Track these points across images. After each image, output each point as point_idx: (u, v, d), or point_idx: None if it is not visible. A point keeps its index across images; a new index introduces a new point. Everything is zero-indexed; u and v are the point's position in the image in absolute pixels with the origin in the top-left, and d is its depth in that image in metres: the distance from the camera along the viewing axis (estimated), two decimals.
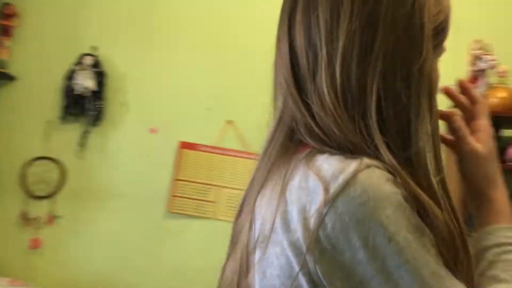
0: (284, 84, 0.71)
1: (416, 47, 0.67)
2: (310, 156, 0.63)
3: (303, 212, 0.58)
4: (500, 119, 2.31)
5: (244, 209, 0.73)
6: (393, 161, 0.61)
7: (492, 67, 2.41)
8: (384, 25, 0.67)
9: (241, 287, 0.67)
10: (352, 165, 0.58)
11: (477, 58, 2.44)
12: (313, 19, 0.69)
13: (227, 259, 0.74)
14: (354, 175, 0.57)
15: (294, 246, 0.58)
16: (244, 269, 0.66)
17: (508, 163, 2.28)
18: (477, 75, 2.43)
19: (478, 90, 2.39)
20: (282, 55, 0.72)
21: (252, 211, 0.68)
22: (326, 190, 0.57)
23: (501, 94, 2.33)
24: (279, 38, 0.74)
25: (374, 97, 0.65)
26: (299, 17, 0.71)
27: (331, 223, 0.56)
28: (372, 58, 0.66)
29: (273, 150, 0.70)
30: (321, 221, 0.56)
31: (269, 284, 0.62)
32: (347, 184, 0.56)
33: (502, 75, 2.40)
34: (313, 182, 0.59)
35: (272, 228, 0.62)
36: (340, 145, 0.64)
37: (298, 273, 0.58)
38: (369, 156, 0.61)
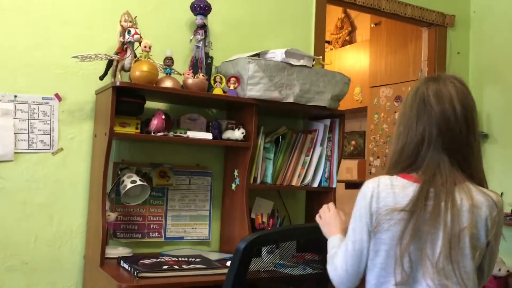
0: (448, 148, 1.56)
1: None
2: (476, 187, 1.55)
3: (491, 214, 1.53)
4: (144, 91, 2.51)
5: (438, 202, 1.49)
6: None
7: (137, 40, 2.55)
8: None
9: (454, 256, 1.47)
10: (497, 194, 1.57)
11: (125, 30, 2.55)
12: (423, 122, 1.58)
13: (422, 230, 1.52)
14: (500, 199, 1.56)
15: (487, 227, 1.52)
16: (456, 242, 1.46)
17: (153, 134, 2.49)
18: (126, 47, 2.54)
19: (126, 61, 2.52)
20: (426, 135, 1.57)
21: (453, 208, 1.48)
22: (497, 206, 1.54)
23: (145, 67, 2.50)
24: (401, 125, 1.63)
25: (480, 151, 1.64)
26: (413, 119, 1.59)
27: (498, 218, 1.54)
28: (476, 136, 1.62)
29: (449, 178, 1.51)
30: (497, 218, 1.53)
31: (476, 245, 1.52)
32: (501, 204, 1.56)
33: (145, 49, 2.57)
34: (491, 203, 1.53)
35: (474, 220, 1.49)
36: (473, 176, 1.58)
37: (484, 242, 1.52)
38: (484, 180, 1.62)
